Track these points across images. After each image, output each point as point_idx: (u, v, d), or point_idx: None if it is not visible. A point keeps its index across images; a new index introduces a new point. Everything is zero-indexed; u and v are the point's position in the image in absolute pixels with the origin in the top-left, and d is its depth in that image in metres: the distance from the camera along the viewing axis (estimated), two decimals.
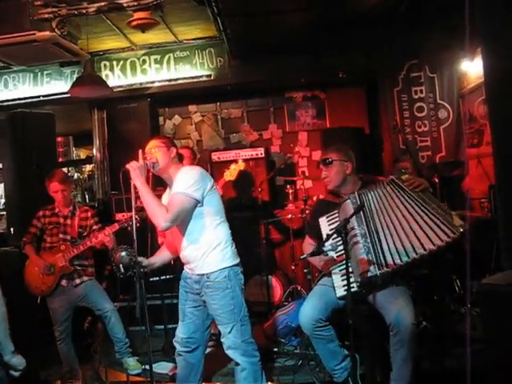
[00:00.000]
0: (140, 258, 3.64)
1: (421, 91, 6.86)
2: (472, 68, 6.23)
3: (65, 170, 10.03)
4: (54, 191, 4.98)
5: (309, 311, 3.75)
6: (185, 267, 3.77)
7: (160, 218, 3.40)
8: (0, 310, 2.51)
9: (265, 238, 6.33)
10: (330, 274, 3.76)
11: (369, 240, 3.54)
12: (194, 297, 3.69)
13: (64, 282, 4.88)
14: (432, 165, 6.00)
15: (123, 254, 3.75)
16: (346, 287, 3.53)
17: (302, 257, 3.86)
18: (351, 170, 3.95)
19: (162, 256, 3.91)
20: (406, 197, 3.60)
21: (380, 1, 5.42)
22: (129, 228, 4.57)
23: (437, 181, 5.43)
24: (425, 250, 3.42)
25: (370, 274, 3.45)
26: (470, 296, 5.04)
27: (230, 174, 5.32)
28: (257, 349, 3.63)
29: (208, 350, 4.87)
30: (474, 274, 4.85)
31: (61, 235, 4.96)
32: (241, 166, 5.35)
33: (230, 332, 3.54)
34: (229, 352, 3.60)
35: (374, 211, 3.63)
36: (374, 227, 3.59)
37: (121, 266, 3.72)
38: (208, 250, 3.55)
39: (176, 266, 4.83)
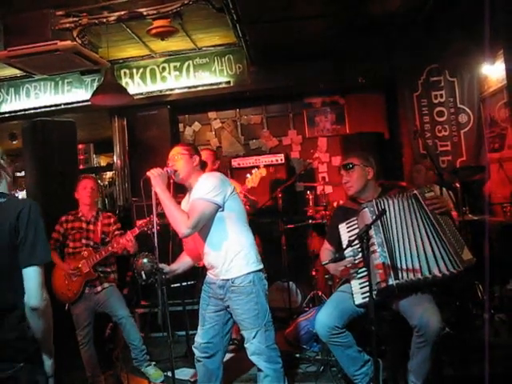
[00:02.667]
0: (161, 265, 3.65)
1: (441, 95, 6.83)
2: (493, 71, 6.18)
3: None
4: (83, 187, 5.03)
5: (324, 319, 3.73)
6: (208, 272, 3.77)
7: (181, 224, 3.41)
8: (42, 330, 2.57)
9: (285, 243, 6.32)
10: (350, 281, 3.75)
11: (385, 249, 3.52)
12: (217, 302, 3.68)
13: (86, 289, 4.92)
14: (453, 170, 5.95)
15: (145, 260, 3.77)
16: (363, 294, 3.53)
17: (323, 262, 3.87)
18: (372, 176, 3.93)
19: (183, 262, 3.91)
20: (425, 216, 3.58)
21: (401, 6, 5.40)
22: (149, 231, 4.59)
23: (458, 186, 5.39)
24: (430, 273, 3.43)
25: (386, 284, 3.45)
26: (493, 301, 5.02)
27: (252, 180, 5.29)
28: (280, 355, 3.62)
29: (229, 355, 4.89)
30: (497, 279, 4.84)
31: (83, 240, 4.99)
32: (263, 172, 5.34)
33: (254, 337, 3.53)
34: (253, 358, 3.58)
35: (392, 221, 3.61)
36: (392, 237, 3.57)
37: (142, 272, 3.74)
38: (232, 255, 3.54)
39: (197, 272, 4.85)
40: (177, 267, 3.85)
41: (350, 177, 3.93)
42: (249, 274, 3.55)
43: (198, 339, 3.78)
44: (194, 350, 3.82)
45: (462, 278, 3.55)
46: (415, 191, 3.68)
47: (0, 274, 2.45)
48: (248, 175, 5.33)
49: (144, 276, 3.74)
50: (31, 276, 2.46)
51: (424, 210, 3.59)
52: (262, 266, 3.66)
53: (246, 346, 3.61)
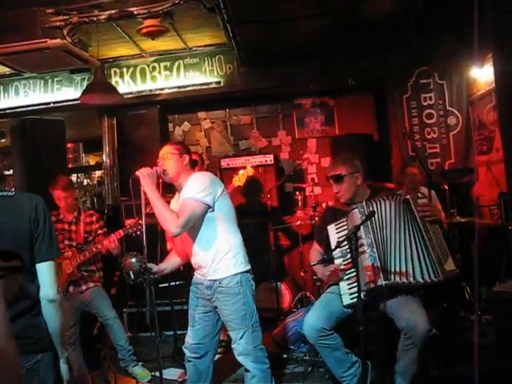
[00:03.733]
0: (150, 265, 3.65)
1: (430, 98, 6.86)
2: (481, 74, 6.22)
3: (74, 176, 10.12)
4: (57, 198, 5.00)
5: (312, 321, 3.74)
6: (195, 273, 3.77)
7: (171, 224, 3.41)
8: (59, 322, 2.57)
9: (274, 244, 6.32)
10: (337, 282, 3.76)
11: (375, 250, 3.54)
12: (205, 302, 3.69)
13: (71, 289, 4.89)
14: (441, 172, 5.98)
15: (133, 260, 3.77)
16: (352, 295, 3.55)
17: (311, 263, 3.88)
18: (361, 180, 3.94)
19: (171, 262, 3.91)
20: (414, 222, 3.60)
21: (391, 8, 5.41)
22: (133, 234, 4.59)
23: (446, 188, 5.42)
24: (414, 278, 3.45)
25: (376, 284, 3.46)
26: (480, 303, 5.04)
27: (239, 179, 5.32)
28: (267, 355, 3.63)
29: (217, 356, 4.88)
30: (484, 281, 4.88)
31: (66, 241, 4.97)
32: (249, 171, 5.36)
33: (241, 338, 3.54)
34: (240, 358, 3.59)
35: (383, 223, 3.63)
36: (381, 238, 3.59)
37: (131, 272, 3.74)
38: (220, 255, 3.55)
39: (185, 272, 4.85)
40: (165, 267, 3.85)
41: (341, 187, 3.92)
42: (236, 274, 3.56)
43: (189, 339, 3.78)
44: (184, 350, 3.83)
45: (448, 282, 3.58)
46: (408, 196, 3.69)
47: (24, 267, 2.45)
48: (235, 175, 5.36)
49: (132, 276, 3.74)
50: (48, 269, 2.48)
51: (414, 215, 3.61)
52: (249, 267, 3.67)
53: (233, 346, 3.62)
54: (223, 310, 3.58)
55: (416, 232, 3.57)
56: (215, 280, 3.57)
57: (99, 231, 5.07)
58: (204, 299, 3.68)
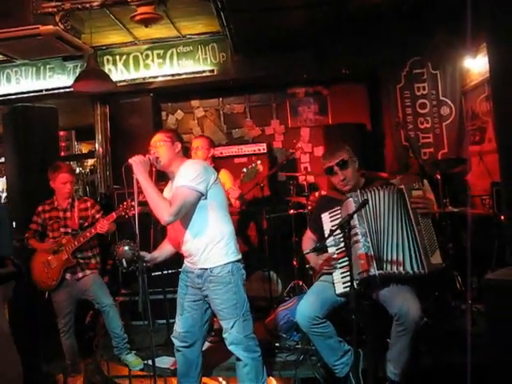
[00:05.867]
0: (142, 253, 3.64)
1: (423, 88, 6.86)
2: (475, 65, 6.23)
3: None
4: (63, 182, 4.96)
5: (305, 309, 3.74)
6: (186, 261, 3.77)
7: (164, 211, 3.39)
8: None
9: (266, 233, 6.32)
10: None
11: (369, 239, 3.54)
12: (195, 291, 3.68)
13: (68, 276, 4.89)
14: (434, 162, 5.99)
15: (126, 248, 3.76)
16: (345, 284, 3.55)
17: (304, 252, 3.88)
18: (358, 166, 3.93)
19: (164, 250, 3.90)
20: (405, 213, 3.60)
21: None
22: (126, 216, 4.58)
23: (439, 177, 5.43)
24: (404, 268, 3.48)
25: (369, 274, 3.47)
26: (471, 292, 5.07)
27: (247, 175, 5.28)
28: (258, 344, 3.64)
29: (209, 344, 4.90)
30: (475, 271, 4.90)
31: (62, 229, 4.95)
32: (259, 168, 5.33)
33: (232, 327, 3.54)
34: (231, 348, 3.60)
35: (377, 212, 3.62)
36: (375, 227, 3.59)
37: (123, 260, 3.73)
38: (211, 244, 3.54)
39: (178, 260, 4.85)
40: (158, 255, 3.84)
41: (347, 172, 3.83)
42: (227, 263, 3.56)
43: (177, 328, 3.78)
44: (173, 339, 3.83)
45: (439, 272, 3.59)
46: (402, 186, 3.67)
47: None
48: (244, 169, 5.30)
49: (125, 264, 3.73)
50: None
51: (406, 207, 3.60)
52: (240, 256, 3.67)
53: (224, 336, 3.63)
54: (214, 299, 3.58)
55: (406, 223, 3.57)
56: (206, 269, 3.57)
57: (97, 215, 5.04)
58: (194, 288, 3.68)
